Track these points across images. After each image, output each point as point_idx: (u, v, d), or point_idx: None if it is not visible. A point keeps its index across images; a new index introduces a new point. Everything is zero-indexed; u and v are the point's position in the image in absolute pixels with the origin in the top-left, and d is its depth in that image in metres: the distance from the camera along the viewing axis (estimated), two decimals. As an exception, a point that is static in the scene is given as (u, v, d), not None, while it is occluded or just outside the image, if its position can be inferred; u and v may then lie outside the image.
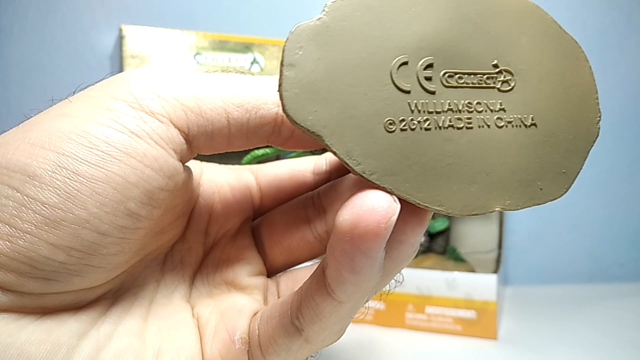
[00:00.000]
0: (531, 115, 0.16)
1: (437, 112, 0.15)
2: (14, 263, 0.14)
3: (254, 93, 0.17)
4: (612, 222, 0.57)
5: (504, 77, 0.16)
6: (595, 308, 0.47)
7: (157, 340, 0.17)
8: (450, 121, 0.15)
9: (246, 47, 0.41)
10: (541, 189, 0.16)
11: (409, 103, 0.15)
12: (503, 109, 0.15)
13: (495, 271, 0.42)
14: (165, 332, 0.18)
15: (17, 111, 0.49)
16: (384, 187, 0.14)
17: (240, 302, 0.19)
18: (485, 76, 0.15)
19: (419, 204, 0.15)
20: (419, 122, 0.15)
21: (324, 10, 0.14)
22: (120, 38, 0.38)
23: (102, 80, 0.17)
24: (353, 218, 0.13)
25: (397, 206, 0.14)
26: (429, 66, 0.15)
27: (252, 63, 0.42)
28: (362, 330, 0.42)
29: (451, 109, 0.15)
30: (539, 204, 0.16)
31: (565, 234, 0.57)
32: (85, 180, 0.14)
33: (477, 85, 0.15)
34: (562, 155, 0.16)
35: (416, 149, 0.14)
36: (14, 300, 0.14)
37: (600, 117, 0.17)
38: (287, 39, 0.14)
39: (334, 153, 0.14)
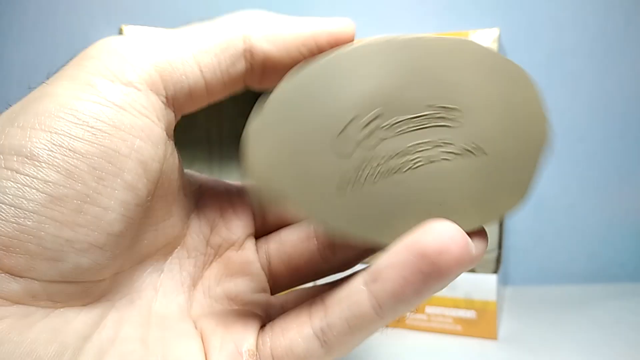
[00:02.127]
0: (479, 144, 0.16)
1: (382, 163, 0.16)
2: (22, 244, 0.14)
3: (220, 35, 0.18)
4: (612, 222, 0.57)
5: (450, 114, 0.16)
6: (595, 308, 0.47)
7: (160, 349, 0.17)
8: (396, 166, 0.16)
9: (246, 47, 0.41)
10: (496, 207, 0.17)
11: (354, 162, 0.16)
12: (451, 144, 0.16)
13: (495, 271, 0.42)
14: (169, 342, 0.18)
15: (17, 111, 0.49)
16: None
17: (245, 317, 0.19)
18: (430, 116, 0.16)
19: (384, 245, 0.16)
20: (366, 177, 0.16)
21: (267, 105, 0.16)
22: (120, 38, 0.38)
23: (73, 58, 0.18)
24: (441, 244, 0.15)
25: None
26: (374, 120, 0.16)
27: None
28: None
29: (397, 154, 0.16)
30: (496, 219, 0.17)
31: (565, 234, 0.57)
32: (81, 157, 0.15)
33: (423, 126, 0.16)
34: (514, 170, 0.17)
35: (370, 200, 0.16)
36: (26, 288, 0.14)
37: (547, 122, 0.17)
38: (246, 140, 0.16)
39: (298, 212, 0.16)
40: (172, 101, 0.17)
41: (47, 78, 0.17)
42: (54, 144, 0.14)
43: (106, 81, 0.16)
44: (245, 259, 0.21)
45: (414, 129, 0.16)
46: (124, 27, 0.38)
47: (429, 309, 0.41)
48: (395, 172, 0.16)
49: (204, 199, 0.22)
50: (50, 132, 0.14)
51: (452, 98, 0.16)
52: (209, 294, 0.21)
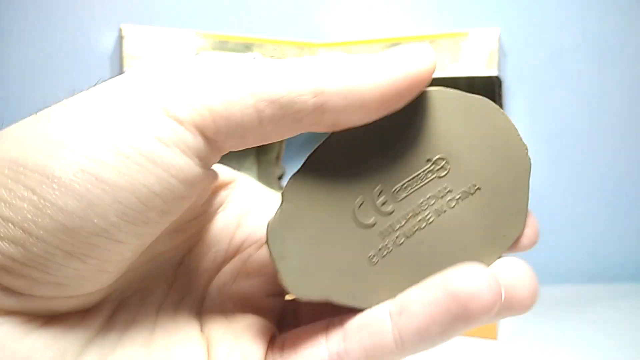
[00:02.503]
0: (473, 183, 0.17)
1: (402, 226, 0.17)
2: (26, 269, 0.13)
3: (288, 85, 0.15)
4: (612, 222, 0.57)
5: (439, 164, 0.17)
6: (595, 308, 0.47)
7: (163, 354, 0.17)
8: (414, 226, 0.17)
9: (246, 47, 0.41)
10: (504, 235, 0.18)
11: (378, 232, 0.17)
12: (450, 191, 0.17)
13: (495, 271, 0.42)
14: (172, 347, 0.17)
15: (17, 111, 0.49)
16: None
17: (255, 326, 0.18)
18: (424, 172, 0.17)
19: None
20: (392, 242, 0.17)
21: (282, 199, 0.16)
22: (120, 38, 0.38)
23: (122, 75, 0.16)
24: (474, 288, 0.15)
25: None
26: (381, 192, 0.17)
27: (252, 63, 0.42)
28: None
29: (411, 216, 0.17)
30: (505, 251, 0.18)
31: (565, 234, 0.57)
32: (107, 188, 0.13)
33: (422, 183, 0.17)
34: (510, 198, 0.18)
35: (400, 262, 0.17)
36: (24, 303, 0.14)
37: (527, 149, 0.19)
38: (266, 236, 0.16)
39: (345, 305, 0.17)
40: (221, 145, 0.15)
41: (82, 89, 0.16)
42: (80, 169, 0.13)
43: (157, 113, 0.14)
44: (266, 258, 0.20)
45: (415, 188, 0.17)
46: (124, 27, 0.38)
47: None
48: (414, 232, 0.17)
49: (235, 193, 0.21)
50: (81, 154, 0.13)
51: (439, 149, 0.17)
52: (223, 291, 0.20)
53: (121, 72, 0.38)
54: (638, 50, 0.56)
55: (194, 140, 0.15)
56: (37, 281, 0.14)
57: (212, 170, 0.16)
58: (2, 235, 0.13)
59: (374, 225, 0.17)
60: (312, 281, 0.16)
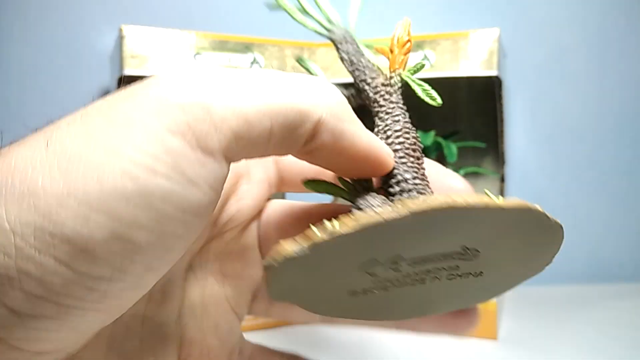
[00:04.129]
0: (481, 270, 0.18)
1: (398, 279, 0.17)
2: (60, 338, 0.13)
3: (299, 106, 0.14)
4: (612, 222, 0.57)
5: (471, 254, 0.17)
6: (595, 308, 0.47)
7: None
8: (407, 282, 0.17)
9: (246, 47, 0.41)
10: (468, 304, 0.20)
11: (373, 279, 0.16)
12: (458, 267, 0.17)
13: (495, 271, 0.42)
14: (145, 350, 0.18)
15: (17, 111, 0.49)
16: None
17: (229, 323, 0.20)
18: (452, 255, 0.16)
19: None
20: (380, 287, 0.17)
21: (303, 248, 0.14)
22: (120, 38, 0.38)
23: (139, 84, 0.14)
24: (472, 323, 0.21)
25: None
26: (401, 257, 0.16)
27: (252, 63, 0.42)
28: (362, 330, 0.42)
29: (413, 276, 0.17)
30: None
31: (565, 234, 0.57)
32: (140, 250, 0.12)
33: (443, 261, 0.16)
34: (494, 288, 0.20)
35: (374, 301, 0.18)
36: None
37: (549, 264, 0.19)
38: (270, 270, 0.15)
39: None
40: (232, 163, 0.15)
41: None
42: (113, 236, 0.12)
43: (186, 147, 0.13)
44: (246, 242, 0.21)
45: (434, 262, 0.16)
46: (124, 27, 0.38)
47: (429, 309, 0.41)
48: (405, 286, 0.17)
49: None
50: (112, 217, 0.12)
51: (474, 241, 0.16)
52: (206, 267, 0.21)
53: (121, 72, 0.38)
54: (638, 50, 0.56)
55: (220, 171, 0.14)
56: (69, 341, 0.14)
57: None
58: (28, 312, 0.12)
59: (374, 274, 0.16)
60: (293, 296, 0.17)
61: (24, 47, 0.50)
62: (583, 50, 0.56)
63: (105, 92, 0.50)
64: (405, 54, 0.21)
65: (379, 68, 0.22)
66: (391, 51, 0.21)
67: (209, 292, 0.20)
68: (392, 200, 0.17)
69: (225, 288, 0.20)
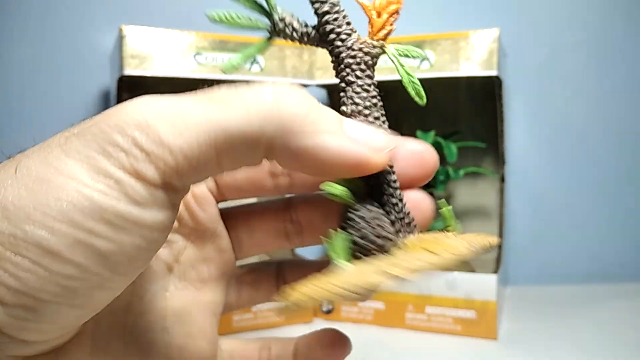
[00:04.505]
0: None
1: None
2: (37, 326, 0.15)
3: (245, 134, 0.15)
4: (612, 222, 0.57)
5: None
6: (595, 308, 0.47)
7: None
8: None
9: (246, 47, 0.41)
10: None
11: None
12: None
13: (495, 271, 0.42)
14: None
15: (17, 111, 0.49)
16: None
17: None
18: None
19: None
20: None
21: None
22: (120, 38, 0.38)
23: (97, 116, 0.16)
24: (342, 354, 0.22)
25: None
26: None
27: (252, 63, 0.42)
28: (362, 330, 0.42)
29: None
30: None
31: (565, 234, 0.57)
32: (101, 254, 0.15)
33: None
34: None
35: None
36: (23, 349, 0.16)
37: None
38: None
39: None
40: (185, 187, 0.17)
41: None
42: (76, 241, 0.14)
43: (129, 176, 0.15)
44: (220, 245, 0.22)
45: None
46: (124, 27, 0.38)
47: (429, 309, 0.41)
48: None
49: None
50: (74, 227, 0.14)
51: None
52: (185, 277, 0.22)
53: (121, 72, 0.38)
54: (638, 50, 0.56)
55: (167, 195, 0.16)
56: (47, 333, 0.16)
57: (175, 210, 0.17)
58: (10, 303, 0.14)
59: None
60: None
61: (24, 47, 0.50)
62: (583, 50, 0.56)
63: (105, 93, 0.50)
64: (391, 19, 0.18)
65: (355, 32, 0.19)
66: (376, 13, 0.18)
67: (190, 299, 0.21)
68: (385, 209, 0.18)
69: (205, 293, 0.22)
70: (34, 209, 0.14)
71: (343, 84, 0.18)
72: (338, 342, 0.22)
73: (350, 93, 0.18)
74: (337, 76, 0.19)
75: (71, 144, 0.15)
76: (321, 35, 0.19)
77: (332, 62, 0.19)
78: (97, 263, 0.15)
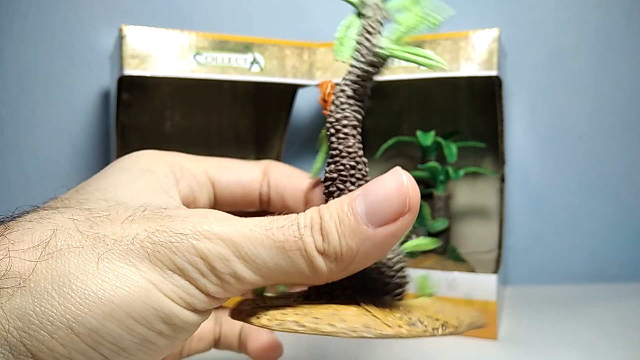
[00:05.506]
0: None
1: None
2: None
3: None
4: (612, 222, 0.57)
5: None
6: (595, 308, 0.47)
7: None
8: None
9: (246, 47, 0.41)
10: None
11: None
12: None
13: (495, 271, 0.42)
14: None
15: (17, 111, 0.49)
16: None
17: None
18: None
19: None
20: None
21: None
22: (120, 38, 0.38)
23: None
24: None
25: None
26: None
27: (252, 63, 0.42)
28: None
29: None
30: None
31: (565, 234, 0.57)
32: (158, 350, 0.17)
33: None
34: None
35: None
36: None
37: None
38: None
39: None
40: None
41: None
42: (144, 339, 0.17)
43: (201, 293, 0.18)
44: None
45: None
46: (124, 27, 0.38)
47: (429, 309, 0.41)
48: None
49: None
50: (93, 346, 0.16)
51: None
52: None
53: (121, 72, 0.38)
54: (638, 50, 0.56)
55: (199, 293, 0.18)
56: None
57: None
58: None
59: None
60: None
61: (24, 47, 0.50)
62: (583, 50, 0.56)
63: (105, 93, 0.50)
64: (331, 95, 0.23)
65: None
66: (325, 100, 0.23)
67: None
68: None
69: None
70: (63, 322, 0.16)
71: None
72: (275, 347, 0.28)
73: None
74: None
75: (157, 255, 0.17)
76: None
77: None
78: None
